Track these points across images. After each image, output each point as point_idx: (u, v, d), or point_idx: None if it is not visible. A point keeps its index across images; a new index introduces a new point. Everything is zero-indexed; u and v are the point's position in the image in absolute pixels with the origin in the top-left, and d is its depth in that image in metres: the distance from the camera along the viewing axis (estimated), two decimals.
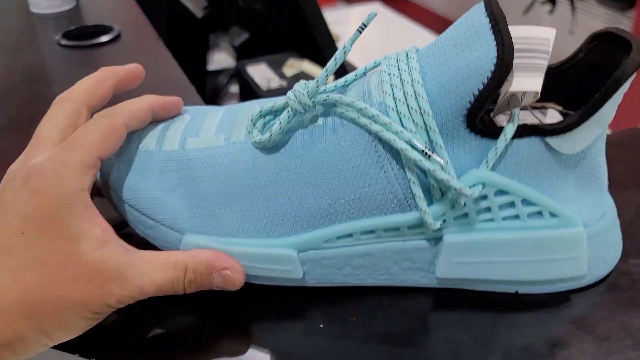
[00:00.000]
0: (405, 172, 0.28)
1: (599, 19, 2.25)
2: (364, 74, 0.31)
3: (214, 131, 0.32)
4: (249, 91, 0.66)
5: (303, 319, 0.30)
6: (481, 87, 0.26)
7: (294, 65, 0.68)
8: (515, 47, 0.26)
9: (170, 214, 0.30)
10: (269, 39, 0.77)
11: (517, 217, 0.29)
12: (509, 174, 0.28)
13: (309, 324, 0.30)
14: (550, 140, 0.28)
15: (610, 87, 0.27)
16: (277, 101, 0.31)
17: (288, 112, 0.29)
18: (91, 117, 0.29)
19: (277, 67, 0.68)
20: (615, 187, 0.33)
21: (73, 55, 0.62)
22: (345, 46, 0.29)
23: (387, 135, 0.27)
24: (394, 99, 0.28)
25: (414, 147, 0.27)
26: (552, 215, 0.29)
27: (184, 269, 0.27)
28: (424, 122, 0.27)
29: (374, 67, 0.31)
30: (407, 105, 0.28)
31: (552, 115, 0.31)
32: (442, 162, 0.27)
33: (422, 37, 1.69)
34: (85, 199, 0.26)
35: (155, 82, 0.55)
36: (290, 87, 0.65)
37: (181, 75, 0.57)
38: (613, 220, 0.32)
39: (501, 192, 0.28)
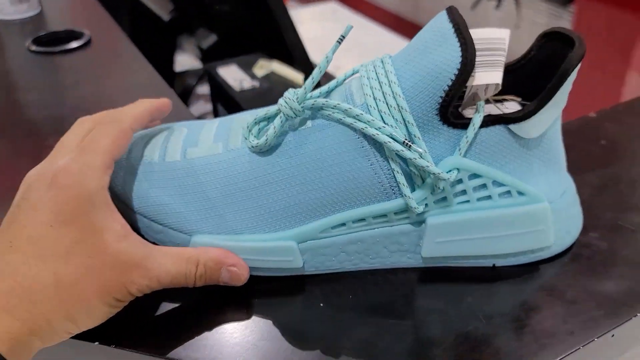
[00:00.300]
0: (389, 163, 0.31)
1: (542, 14, 2.34)
2: (344, 80, 0.34)
3: (212, 140, 0.34)
4: (222, 92, 0.68)
5: (302, 295, 0.33)
6: (450, 83, 0.29)
7: (264, 66, 0.70)
8: (476, 46, 0.29)
9: (178, 217, 0.33)
10: (236, 40, 0.79)
11: (489, 197, 0.32)
12: (480, 159, 0.31)
13: (308, 299, 0.33)
14: (513, 127, 0.31)
15: (559, 77, 0.30)
16: (270, 109, 0.33)
17: (281, 117, 0.32)
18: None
19: (247, 68, 0.70)
20: (573, 170, 0.37)
21: (44, 61, 0.62)
22: (327, 56, 0.32)
23: (371, 131, 0.30)
24: (375, 99, 0.31)
25: (395, 139, 0.30)
26: (520, 193, 0.32)
27: (196, 263, 0.29)
28: (403, 117, 0.30)
29: (352, 75, 0.34)
30: (387, 104, 0.31)
31: (512, 106, 0.34)
32: (421, 151, 0.30)
33: (376, 32, 1.74)
34: (106, 196, 0.28)
35: (131, 86, 0.56)
36: (262, 87, 0.67)
37: (157, 77, 0.58)
38: (573, 197, 0.36)
39: (474, 175, 0.32)
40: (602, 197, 0.40)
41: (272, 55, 0.73)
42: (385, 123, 0.31)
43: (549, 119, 0.32)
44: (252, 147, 0.33)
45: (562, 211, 0.34)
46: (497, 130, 0.31)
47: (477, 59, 0.30)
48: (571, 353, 0.29)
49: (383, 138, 0.30)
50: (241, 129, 0.34)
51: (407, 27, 2.88)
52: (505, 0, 2.44)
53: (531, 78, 0.34)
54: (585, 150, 0.45)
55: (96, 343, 0.29)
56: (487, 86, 0.31)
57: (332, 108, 0.31)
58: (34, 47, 0.63)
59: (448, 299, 0.32)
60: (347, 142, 0.31)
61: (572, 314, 0.31)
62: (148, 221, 0.33)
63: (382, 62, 0.32)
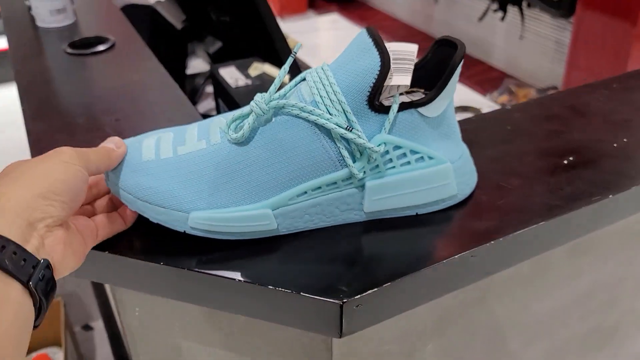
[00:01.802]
0: (335, 143, 0.41)
1: (546, 25, 2.44)
2: (296, 85, 0.43)
3: (196, 139, 0.43)
4: (221, 89, 0.82)
5: (275, 252, 0.43)
6: (374, 81, 0.40)
7: (257, 68, 0.83)
8: (391, 56, 0.41)
9: (177, 200, 0.42)
10: (238, 46, 0.92)
11: (408, 162, 0.43)
12: (399, 135, 0.43)
13: (279, 254, 0.43)
14: (420, 109, 0.43)
15: (448, 72, 0.43)
16: (244, 109, 0.43)
17: (253, 115, 0.41)
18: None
19: (244, 69, 0.83)
20: (480, 146, 0.49)
21: (77, 61, 0.77)
22: (284, 68, 0.42)
23: (322, 121, 0.40)
24: (321, 96, 0.41)
25: (339, 125, 0.40)
26: (430, 158, 0.44)
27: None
28: (342, 108, 0.40)
29: (301, 80, 0.43)
30: (330, 99, 0.40)
31: (418, 96, 0.47)
32: (358, 132, 0.40)
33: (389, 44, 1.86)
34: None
35: (146, 81, 0.70)
36: (253, 84, 0.81)
37: (167, 76, 0.72)
38: (468, 159, 0.48)
39: (396, 147, 0.42)
40: (494, 165, 0.52)
41: (266, 58, 0.86)
42: (330, 114, 0.40)
43: (444, 103, 0.44)
44: (231, 139, 0.42)
45: (460, 169, 0.46)
46: (409, 113, 0.43)
47: (392, 65, 0.42)
48: (446, 260, 0.42)
49: (330, 125, 0.40)
50: (218, 128, 0.43)
51: (419, 38, 3.00)
52: (511, 13, 2.54)
53: (431, 74, 0.47)
54: (493, 132, 0.57)
55: (106, 252, 0.42)
56: (398, 86, 0.42)
57: (291, 106, 0.41)
58: (69, 50, 0.78)
59: (386, 245, 0.43)
60: (303, 130, 0.41)
61: (451, 241, 0.44)
62: (151, 206, 0.42)
63: (322, 69, 0.42)
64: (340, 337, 0.40)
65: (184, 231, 0.42)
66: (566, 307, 0.63)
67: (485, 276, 0.46)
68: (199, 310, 0.50)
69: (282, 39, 0.81)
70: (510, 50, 2.62)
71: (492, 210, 0.47)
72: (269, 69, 0.83)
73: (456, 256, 0.42)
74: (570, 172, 0.51)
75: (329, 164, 0.42)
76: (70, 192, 0.37)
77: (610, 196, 0.48)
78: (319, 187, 0.42)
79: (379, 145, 0.41)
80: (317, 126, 0.41)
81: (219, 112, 0.88)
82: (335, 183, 0.42)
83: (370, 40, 0.41)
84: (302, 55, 1.23)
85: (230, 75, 0.82)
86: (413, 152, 0.43)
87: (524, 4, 2.46)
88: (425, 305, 0.46)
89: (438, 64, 0.45)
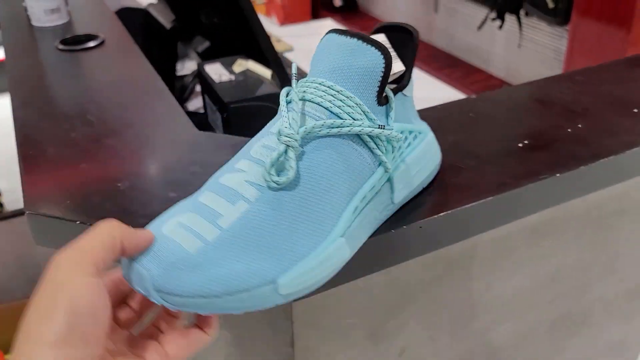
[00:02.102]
0: (366, 146, 0.40)
1: (543, 33, 2.47)
2: (287, 112, 0.40)
3: (228, 205, 0.37)
4: (206, 85, 0.85)
5: None
6: (381, 77, 0.40)
7: (241, 65, 0.86)
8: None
9: (257, 276, 0.35)
10: (225, 45, 0.96)
11: (409, 144, 0.45)
12: (398, 120, 0.44)
13: None
14: (404, 91, 0.45)
15: (412, 52, 0.45)
16: (272, 154, 0.38)
17: (292, 151, 0.38)
18: None
19: (228, 66, 0.86)
20: (443, 131, 0.52)
21: (68, 57, 0.80)
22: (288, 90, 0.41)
23: (355, 129, 0.39)
24: (338, 107, 0.40)
25: (373, 127, 0.40)
26: (419, 133, 0.47)
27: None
28: (362, 110, 0.40)
29: (288, 104, 0.40)
30: (349, 106, 0.40)
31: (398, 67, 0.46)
32: (389, 127, 0.41)
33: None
34: None
35: (132, 75, 0.74)
36: (237, 80, 0.84)
37: (152, 71, 0.75)
38: (431, 132, 0.50)
39: (401, 132, 0.44)
40: (453, 149, 0.55)
41: (251, 56, 0.90)
42: (354, 119, 0.39)
43: (412, 83, 0.47)
44: (281, 183, 0.37)
45: (434, 139, 0.49)
46: (399, 97, 0.44)
47: None
48: (394, 230, 0.44)
49: (366, 130, 0.39)
50: (245, 182, 0.38)
51: (420, 47, 3.04)
52: (509, 21, 2.57)
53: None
54: (456, 119, 0.60)
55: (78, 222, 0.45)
56: (394, 73, 0.44)
57: (319, 128, 0.39)
58: (60, 46, 0.81)
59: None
60: (338, 147, 0.39)
61: (402, 214, 0.46)
62: (232, 297, 0.35)
63: (320, 84, 0.40)
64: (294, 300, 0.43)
65: (276, 305, 0.36)
66: (532, 290, 0.65)
67: (436, 247, 0.48)
68: None
69: (266, 38, 0.85)
70: (510, 59, 2.65)
71: (445, 187, 0.49)
72: (252, 65, 0.86)
73: (404, 226, 0.44)
74: (524, 154, 0.54)
75: (366, 168, 0.41)
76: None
77: (558, 175, 0.50)
78: (364, 197, 0.41)
79: (401, 132, 0.44)
80: (349, 136, 0.40)
81: (205, 109, 0.91)
82: (374, 186, 0.42)
83: (354, 40, 0.41)
84: (293, 58, 1.27)
85: (215, 71, 0.85)
86: (410, 132, 0.45)
87: (522, 13, 2.49)
88: (384, 281, 0.48)
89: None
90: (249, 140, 0.42)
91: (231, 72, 0.85)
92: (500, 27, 2.58)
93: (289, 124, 0.38)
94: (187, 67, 1.22)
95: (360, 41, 0.40)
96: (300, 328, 0.49)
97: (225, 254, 0.35)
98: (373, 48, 0.40)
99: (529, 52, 2.54)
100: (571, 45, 2.22)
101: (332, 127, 0.39)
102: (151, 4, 1.05)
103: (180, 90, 0.99)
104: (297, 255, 0.36)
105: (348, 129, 0.39)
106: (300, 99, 0.40)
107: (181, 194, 0.49)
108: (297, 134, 0.38)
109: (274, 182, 0.37)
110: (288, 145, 0.38)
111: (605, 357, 0.84)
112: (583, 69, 0.70)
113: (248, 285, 0.35)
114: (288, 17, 3.26)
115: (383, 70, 0.40)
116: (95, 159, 0.55)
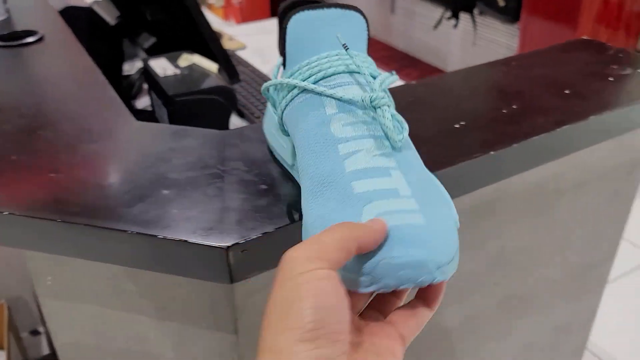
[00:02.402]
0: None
1: (497, 31, 2.53)
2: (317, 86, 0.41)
3: (388, 178, 0.37)
4: (151, 80, 0.84)
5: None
6: (367, 37, 0.44)
7: (187, 59, 0.86)
8: None
9: (454, 227, 0.37)
10: (171, 41, 0.95)
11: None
12: None
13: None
14: None
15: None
16: (379, 118, 0.39)
17: (392, 107, 0.40)
18: None
19: (173, 60, 0.86)
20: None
21: (6, 53, 0.78)
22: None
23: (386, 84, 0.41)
24: (366, 67, 0.42)
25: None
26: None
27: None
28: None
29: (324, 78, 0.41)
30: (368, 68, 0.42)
31: None
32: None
33: None
34: None
35: (70, 69, 0.72)
36: (182, 74, 0.83)
37: (94, 67, 0.73)
38: None
39: None
40: None
41: (198, 51, 0.89)
42: (373, 77, 0.42)
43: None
44: (403, 140, 0.39)
45: None
46: None
47: None
48: None
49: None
50: (375, 157, 0.37)
51: (379, 47, 3.07)
52: (463, 20, 2.63)
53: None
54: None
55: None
56: None
57: (384, 80, 0.41)
58: None
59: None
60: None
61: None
62: (454, 261, 0.35)
63: (338, 55, 0.42)
64: (232, 283, 0.43)
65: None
66: (476, 273, 0.66)
67: None
68: (106, 274, 0.52)
69: (212, 32, 0.84)
70: (465, 57, 2.70)
71: None
72: (198, 59, 0.85)
73: None
74: (459, 135, 0.55)
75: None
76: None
77: (491, 153, 0.51)
78: None
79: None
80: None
81: (153, 106, 0.90)
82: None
83: (337, 10, 0.43)
84: (246, 56, 1.27)
85: (160, 65, 0.84)
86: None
87: (476, 12, 2.54)
88: None
89: None
90: (186, 128, 0.41)
91: (177, 66, 0.84)
92: (455, 25, 2.64)
93: (371, 88, 0.39)
94: (136, 66, 1.21)
95: (341, 9, 0.43)
96: (242, 313, 0.49)
97: (430, 217, 0.35)
98: (355, 12, 0.43)
99: (484, 50, 2.59)
100: (522, 42, 2.28)
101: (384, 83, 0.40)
102: (96, 2, 1.04)
103: (127, 87, 0.98)
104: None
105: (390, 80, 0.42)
106: (348, 72, 0.41)
107: (117, 182, 0.48)
108: (382, 91, 0.39)
109: (399, 140, 0.38)
110: (388, 105, 0.39)
111: (555, 337, 0.87)
112: (518, 55, 0.72)
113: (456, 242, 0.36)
114: (245, 19, 3.25)
115: (367, 30, 0.44)
116: (28, 150, 0.53)
